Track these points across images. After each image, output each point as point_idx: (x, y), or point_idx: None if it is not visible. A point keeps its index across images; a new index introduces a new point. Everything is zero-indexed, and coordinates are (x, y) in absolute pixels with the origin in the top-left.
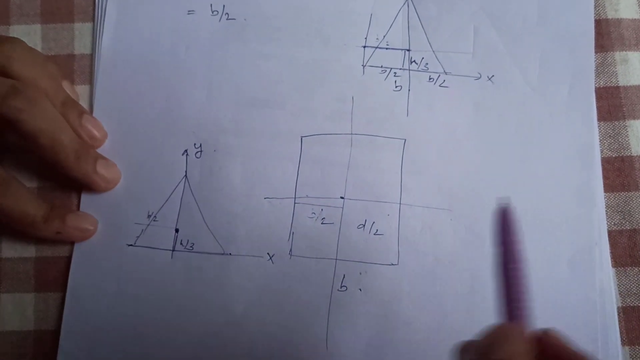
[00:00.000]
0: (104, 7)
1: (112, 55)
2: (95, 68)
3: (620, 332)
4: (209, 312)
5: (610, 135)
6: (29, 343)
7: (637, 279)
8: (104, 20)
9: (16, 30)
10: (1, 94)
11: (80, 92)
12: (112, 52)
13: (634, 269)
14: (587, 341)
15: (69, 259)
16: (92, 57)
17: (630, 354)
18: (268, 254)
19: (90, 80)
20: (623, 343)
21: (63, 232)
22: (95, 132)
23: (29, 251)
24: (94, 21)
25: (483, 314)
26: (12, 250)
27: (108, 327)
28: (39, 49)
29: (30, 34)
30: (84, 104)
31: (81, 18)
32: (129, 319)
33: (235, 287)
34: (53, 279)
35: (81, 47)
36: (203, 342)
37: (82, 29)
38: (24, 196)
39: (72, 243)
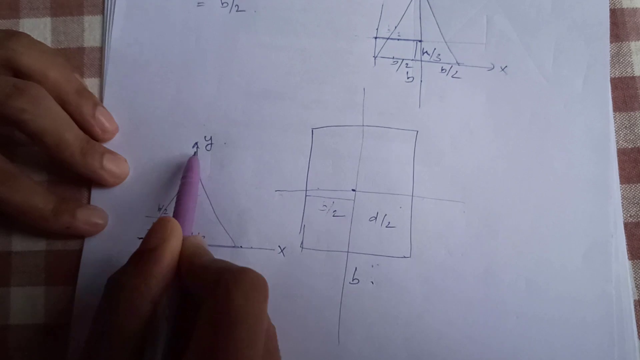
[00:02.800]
0: (113, 0)
1: (121, 48)
2: (105, 61)
3: (637, 325)
4: None
5: (626, 126)
6: (39, 336)
7: None
8: (113, 12)
9: (26, 24)
10: (3, 94)
11: (90, 85)
12: (121, 44)
13: None
14: (603, 334)
15: (79, 253)
16: (101, 50)
17: None
18: (279, 246)
19: (100, 73)
20: None
21: (72, 227)
22: (108, 125)
23: (39, 245)
24: (103, 14)
25: (496, 307)
26: (23, 244)
27: None
28: (48, 42)
29: (40, 27)
30: None
31: (91, 11)
32: None
33: None
34: (64, 272)
35: (91, 40)
36: None
37: (91, 21)
38: (33, 190)
39: (83, 237)
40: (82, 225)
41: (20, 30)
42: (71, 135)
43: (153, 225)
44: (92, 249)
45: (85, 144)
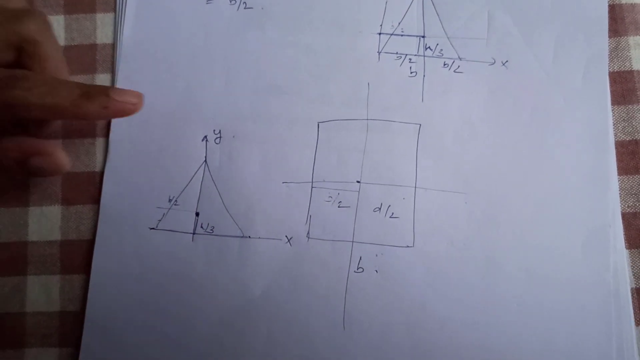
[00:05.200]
0: None
1: (133, 44)
2: (117, 57)
3: (634, 313)
4: (228, 293)
5: (624, 119)
6: (55, 323)
7: None
8: (125, 10)
9: None
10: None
11: (102, 80)
12: (133, 41)
13: None
14: (601, 322)
15: (92, 242)
16: (113, 46)
17: None
18: (286, 236)
19: (112, 69)
20: (637, 323)
21: (110, 106)
22: (132, 99)
23: (54, 235)
24: (115, 11)
25: (497, 295)
26: (39, 233)
27: (131, 307)
28: (62, 39)
29: (53, 24)
30: None
31: (103, 9)
32: (151, 299)
33: (254, 269)
34: (78, 261)
35: (103, 37)
36: (222, 322)
37: (103, 19)
38: (52, 83)
39: (121, 116)
40: (119, 104)
41: None
42: (64, 92)
43: None
44: (105, 238)
45: (86, 89)
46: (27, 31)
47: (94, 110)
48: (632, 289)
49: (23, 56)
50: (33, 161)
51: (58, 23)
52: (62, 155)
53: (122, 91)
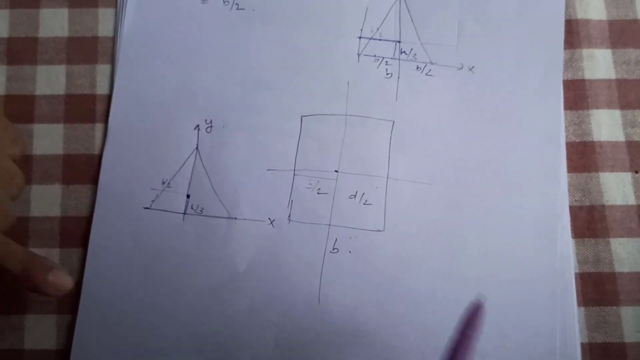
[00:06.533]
0: None
1: (132, 38)
2: (117, 49)
3: (577, 295)
4: (215, 268)
5: (575, 123)
6: None
7: (593, 249)
8: (125, 6)
9: (45, 14)
10: None
11: (102, 70)
12: (132, 35)
13: (590, 240)
14: (548, 301)
15: (90, 219)
16: (113, 39)
17: (585, 314)
18: (269, 218)
19: (112, 60)
20: (579, 304)
21: (39, 290)
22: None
23: (54, 211)
24: (116, 7)
25: (458, 275)
26: (40, 209)
27: (125, 279)
28: (65, 31)
29: (58, 16)
30: (105, 81)
31: (105, 4)
32: (144, 272)
33: (239, 247)
34: (76, 236)
35: (104, 30)
36: (209, 293)
37: (105, 13)
38: (8, 250)
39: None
40: (49, 289)
41: (40, 20)
42: (13, 262)
43: None
44: (102, 215)
45: (28, 264)
46: None
47: (26, 287)
48: (575, 273)
49: None
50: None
51: (62, 16)
52: (64, 278)
53: (56, 275)
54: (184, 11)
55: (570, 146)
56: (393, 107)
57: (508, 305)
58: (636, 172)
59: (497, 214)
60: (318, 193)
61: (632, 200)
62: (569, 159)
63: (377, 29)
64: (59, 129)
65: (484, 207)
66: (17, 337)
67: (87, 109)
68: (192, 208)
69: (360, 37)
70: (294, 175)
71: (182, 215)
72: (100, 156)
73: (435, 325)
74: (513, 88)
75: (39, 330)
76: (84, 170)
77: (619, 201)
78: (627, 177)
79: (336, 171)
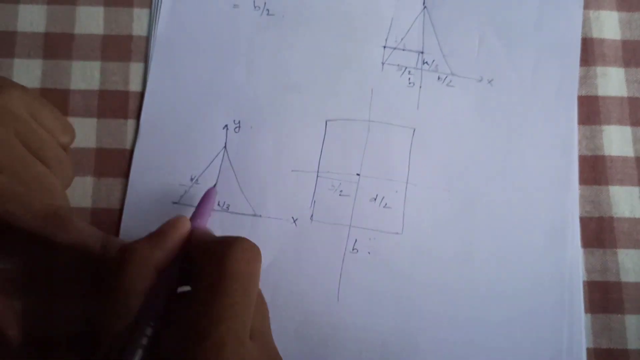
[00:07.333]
0: None
1: (166, 38)
2: (150, 49)
3: (584, 302)
4: None
5: (587, 137)
6: None
7: (601, 259)
8: (160, 7)
9: (82, 11)
10: None
11: (135, 68)
12: (165, 36)
13: (599, 250)
14: (556, 307)
15: (120, 212)
16: (147, 39)
17: (591, 320)
18: (292, 217)
19: (145, 59)
20: (586, 311)
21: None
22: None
23: (86, 202)
24: (151, 7)
25: (470, 278)
26: (72, 200)
27: None
28: (101, 29)
29: (93, 14)
30: (138, 79)
31: (140, 4)
32: None
33: (263, 244)
34: (106, 227)
35: (138, 29)
36: None
37: (140, 14)
38: (83, 230)
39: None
40: None
41: (76, 17)
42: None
43: (169, 219)
44: (132, 209)
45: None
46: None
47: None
48: (584, 281)
49: None
50: None
51: (98, 14)
52: None
53: None
54: (216, 15)
55: (583, 159)
56: (414, 115)
57: (517, 309)
58: None
59: (509, 222)
60: (340, 195)
61: (639, 214)
62: (581, 171)
63: (402, 39)
64: (92, 123)
65: (497, 214)
66: None
67: (120, 105)
68: (219, 205)
69: (384, 47)
70: (318, 176)
71: None
72: (131, 151)
73: (448, 323)
74: (530, 101)
75: None
76: (115, 164)
77: (626, 214)
78: (635, 191)
79: (358, 174)
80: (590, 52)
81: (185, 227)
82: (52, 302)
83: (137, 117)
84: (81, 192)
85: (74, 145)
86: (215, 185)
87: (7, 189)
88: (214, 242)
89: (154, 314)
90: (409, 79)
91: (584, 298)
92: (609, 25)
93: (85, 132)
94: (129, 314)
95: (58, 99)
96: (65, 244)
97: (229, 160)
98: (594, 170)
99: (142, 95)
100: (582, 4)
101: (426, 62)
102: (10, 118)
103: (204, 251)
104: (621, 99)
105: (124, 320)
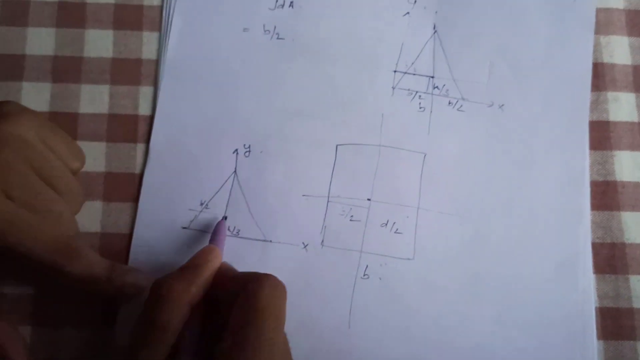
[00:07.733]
0: (170, 20)
1: (175, 62)
2: (160, 72)
3: (597, 328)
4: None
5: (599, 162)
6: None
7: (614, 285)
8: (169, 31)
9: (91, 34)
10: None
11: (144, 92)
12: (175, 59)
13: (611, 276)
14: (568, 333)
15: (129, 236)
16: (157, 62)
17: (604, 347)
18: (303, 243)
19: (155, 83)
20: (598, 337)
21: (122, 291)
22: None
23: (95, 227)
24: (160, 31)
25: (481, 305)
26: (81, 225)
27: None
28: (110, 52)
29: (103, 38)
30: (147, 103)
31: (149, 27)
32: None
33: (273, 270)
34: (115, 253)
35: (148, 53)
36: None
37: (149, 37)
38: (92, 260)
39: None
40: (129, 289)
41: (85, 40)
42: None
43: (202, 249)
44: (141, 233)
45: (110, 271)
46: None
47: (111, 292)
48: (596, 308)
49: None
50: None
51: (107, 37)
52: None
53: (135, 274)
54: (226, 39)
55: (594, 185)
56: (425, 140)
57: (528, 338)
58: None
59: (520, 248)
60: (351, 220)
61: None
62: (593, 197)
63: (412, 63)
64: (101, 147)
65: (507, 241)
66: None
67: (129, 129)
68: (229, 230)
69: (395, 71)
70: (328, 201)
71: None
72: (140, 175)
73: (456, 350)
74: (541, 127)
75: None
76: (124, 188)
77: (638, 240)
78: None
79: (369, 199)
80: (601, 77)
81: (218, 260)
82: (60, 330)
83: (147, 141)
84: (90, 216)
85: (83, 169)
86: (225, 216)
87: (19, 218)
88: (242, 278)
89: (190, 349)
90: (420, 103)
91: (597, 324)
92: (620, 51)
93: (95, 156)
94: (164, 350)
95: (67, 122)
96: (74, 274)
97: (239, 185)
98: (606, 195)
99: (151, 119)
100: (593, 29)
101: (437, 87)
102: (21, 145)
103: (234, 284)
104: (632, 124)
105: (160, 357)
